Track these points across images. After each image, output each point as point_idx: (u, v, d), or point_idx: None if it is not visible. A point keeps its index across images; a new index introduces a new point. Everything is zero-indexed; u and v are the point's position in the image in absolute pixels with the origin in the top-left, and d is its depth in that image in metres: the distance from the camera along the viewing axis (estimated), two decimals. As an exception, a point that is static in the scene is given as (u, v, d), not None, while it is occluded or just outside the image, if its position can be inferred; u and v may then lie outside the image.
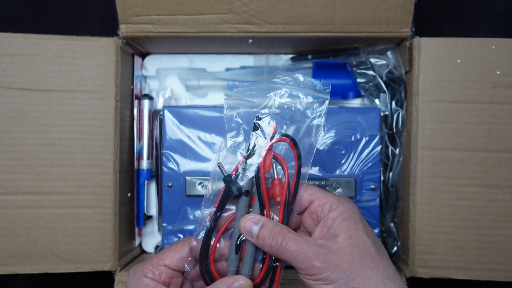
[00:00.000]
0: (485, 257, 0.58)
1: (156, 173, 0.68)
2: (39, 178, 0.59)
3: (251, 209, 0.44)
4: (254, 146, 0.43)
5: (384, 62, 0.65)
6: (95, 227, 0.59)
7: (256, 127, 0.43)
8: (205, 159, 0.62)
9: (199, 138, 0.63)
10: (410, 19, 0.58)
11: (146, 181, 0.67)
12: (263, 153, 0.42)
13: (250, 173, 0.43)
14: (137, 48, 0.67)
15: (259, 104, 0.45)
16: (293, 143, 0.43)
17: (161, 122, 0.63)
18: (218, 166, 0.44)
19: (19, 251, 0.59)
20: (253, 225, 0.42)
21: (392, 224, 0.65)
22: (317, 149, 0.62)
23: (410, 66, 0.60)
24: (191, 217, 0.63)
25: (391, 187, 0.65)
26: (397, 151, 0.64)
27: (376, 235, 0.43)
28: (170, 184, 0.62)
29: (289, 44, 0.64)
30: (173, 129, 0.63)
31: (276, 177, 0.44)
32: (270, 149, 0.42)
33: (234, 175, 0.43)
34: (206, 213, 0.45)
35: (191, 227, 0.63)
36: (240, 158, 0.44)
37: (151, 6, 0.59)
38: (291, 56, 0.69)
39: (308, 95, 0.45)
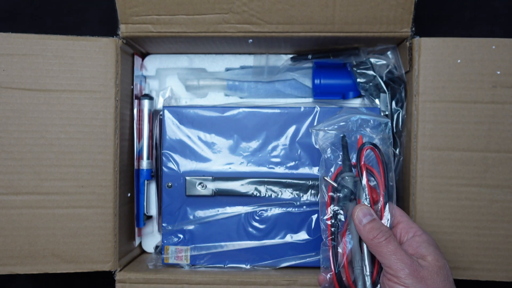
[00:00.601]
0: (485, 257, 0.58)
1: (156, 173, 0.68)
2: (39, 178, 0.59)
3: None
4: (346, 156, 0.52)
5: (384, 62, 0.65)
6: (95, 227, 0.59)
7: (344, 142, 0.52)
8: (205, 159, 0.62)
9: (199, 138, 0.63)
10: (410, 19, 0.58)
11: (146, 181, 0.67)
12: (361, 155, 0.50)
13: (351, 180, 0.50)
14: (137, 48, 0.67)
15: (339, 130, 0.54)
16: (377, 149, 0.51)
17: (161, 122, 0.63)
18: (326, 179, 0.52)
19: (19, 251, 0.59)
20: (365, 215, 0.48)
21: (392, 224, 0.65)
22: (317, 149, 0.62)
23: (410, 66, 0.60)
24: (191, 217, 0.63)
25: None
26: (397, 151, 0.64)
27: None
28: (170, 184, 0.62)
29: (289, 44, 0.64)
30: (173, 129, 0.63)
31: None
32: (362, 154, 0.50)
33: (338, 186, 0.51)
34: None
35: (191, 227, 0.63)
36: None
37: (151, 6, 0.59)
38: (291, 56, 0.69)
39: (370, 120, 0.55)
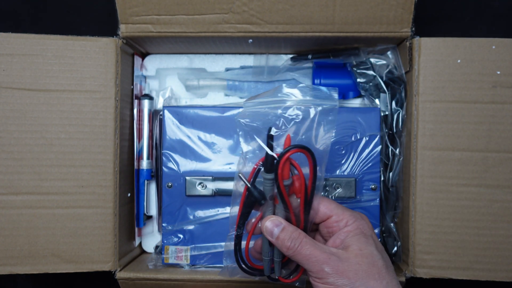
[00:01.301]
0: (485, 257, 0.58)
1: (156, 173, 0.68)
2: (39, 178, 0.59)
3: (276, 211, 0.48)
4: (271, 157, 0.46)
5: (384, 62, 0.65)
6: (95, 227, 0.59)
7: (270, 140, 0.46)
8: (205, 159, 0.62)
9: (199, 138, 0.63)
10: (410, 19, 0.58)
11: (146, 181, 0.67)
12: (280, 165, 0.45)
13: (270, 181, 0.46)
14: (137, 48, 0.67)
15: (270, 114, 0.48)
16: (309, 152, 0.46)
17: (161, 122, 0.63)
18: (239, 176, 0.48)
19: (19, 251, 0.59)
20: (275, 227, 0.46)
21: (392, 224, 0.65)
22: (318, 149, 0.62)
23: (410, 66, 0.60)
24: (191, 217, 0.63)
25: (391, 187, 0.65)
26: (397, 151, 0.64)
27: (385, 252, 0.47)
28: (170, 184, 0.62)
29: (289, 44, 0.64)
30: (173, 129, 0.63)
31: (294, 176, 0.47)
32: (286, 159, 0.45)
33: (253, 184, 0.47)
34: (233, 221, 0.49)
35: (191, 227, 0.63)
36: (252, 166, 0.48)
37: (151, 6, 0.59)
38: (291, 56, 0.69)
39: (317, 104, 0.49)
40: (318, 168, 0.47)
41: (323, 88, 0.50)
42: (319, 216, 0.48)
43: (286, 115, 0.48)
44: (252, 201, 0.47)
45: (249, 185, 0.47)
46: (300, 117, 0.48)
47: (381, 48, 0.65)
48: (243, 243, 0.49)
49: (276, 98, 0.49)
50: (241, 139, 0.49)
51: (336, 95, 0.49)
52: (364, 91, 0.66)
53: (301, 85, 0.49)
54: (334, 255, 0.44)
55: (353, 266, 0.44)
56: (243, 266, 0.50)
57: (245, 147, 0.49)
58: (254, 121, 0.48)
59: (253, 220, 0.49)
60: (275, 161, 0.45)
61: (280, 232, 0.46)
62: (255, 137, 0.47)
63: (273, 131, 0.47)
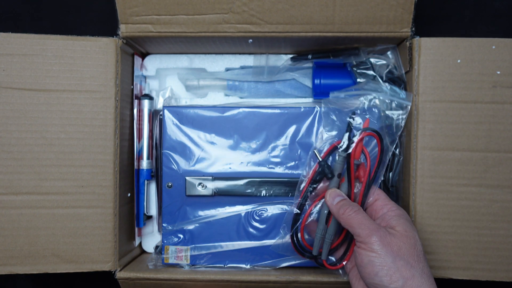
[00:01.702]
0: (485, 257, 0.58)
1: (156, 173, 0.68)
2: (39, 178, 0.59)
3: (340, 188, 0.55)
4: (349, 136, 0.55)
5: (384, 62, 0.65)
6: (95, 227, 0.59)
7: (350, 123, 0.55)
8: (205, 159, 0.62)
9: (199, 138, 0.63)
10: (410, 19, 0.58)
11: (146, 181, 0.67)
12: (355, 143, 0.54)
13: (342, 159, 0.55)
14: (137, 48, 0.67)
15: (352, 105, 0.59)
16: (379, 137, 0.54)
17: (161, 122, 0.63)
18: (314, 152, 0.57)
19: (19, 251, 0.59)
20: (337, 196, 0.54)
21: (392, 224, 0.65)
22: (318, 149, 0.62)
23: (410, 66, 0.60)
24: (191, 217, 0.63)
25: (391, 187, 0.65)
26: (397, 151, 0.64)
27: None
28: (170, 184, 0.62)
29: (289, 44, 0.64)
30: (173, 129, 0.63)
31: (362, 162, 0.55)
32: (361, 139, 0.54)
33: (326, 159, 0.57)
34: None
35: (191, 227, 0.63)
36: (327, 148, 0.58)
37: (151, 6, 0.59)
38: (291, 56, 0.69)
39: (393, 100, 0.60)
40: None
41: (400, 91, 0.61)
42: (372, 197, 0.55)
43: (366, 105, 0.59)
44: (321, 175, 0.56)
45: (321, 160, 0.56)
46: (377, 109, 0.59)
47: (381, 48, 0.65)
48: (302, 217, 0.56)
49: (360, 92, 0.60)
50: (323, 121, 0.59)
51: (410, 97, 0.59)
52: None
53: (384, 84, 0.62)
54: (382, 230, 0.49)
55: (398, 242, 0.48)
56: (295, 240, 0.57)
57: (325, 128, 0.59)
58: (339, 107, 0.59)
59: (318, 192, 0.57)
60: (351, 141, 0.54)
61: (340, 200, 0.53)
62: (336, 120, 0.58)
63: (355, 117, 0.56)
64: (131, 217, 0.66)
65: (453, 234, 0.58)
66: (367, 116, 0.58)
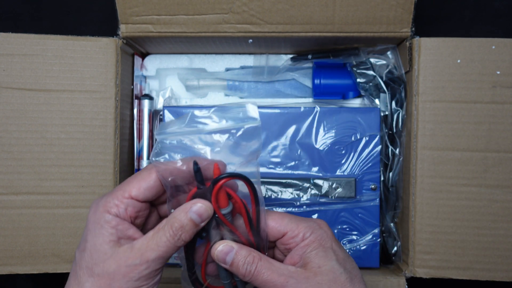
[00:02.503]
0: (485, 257, 0.58)
1: (156, 173, 0.68)
2: (39, 178, 0.59)
3: (224, 236, 0.43)
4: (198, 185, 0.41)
5: (384, 62, 0.65)
6: (95, 227, 0.59)
7: (198, 172, 0.42)
8: (205, 159, 0.62)
9: (199, 138, 0.63)
10: (410, 19, 0.58)
11: (146, 181, 0.67)
12: (213, 196, 0.41)
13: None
14: (137, 48, 0.67)
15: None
16: (243, 179, 0.41)
17: (161, 122, 0.63)
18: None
19: (19, 251, 0.59)
20: (226, 254, 0.42)
21: (392, 224, 0.65)
22: (317, 149, 0.62)
23: (410, 66, 0.60)
24: (191, 217, 0.63)
25: (391, 187, 0.65)
26: (397, 151, 0.64)
27: (350, 260, 0.43)
28: (170, 184, 0.62)
29: (289, 44, 0.64)
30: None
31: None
32: (217, 190, 0.41)
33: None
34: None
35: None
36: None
37: (151, 6, 0.59)
38: (291, 56, 0.69)
39: (239, 128, 0.44)
40: (257, 189, 0.42)
41: (239, 107, 0.45)
42: (272, 235, 0.43)
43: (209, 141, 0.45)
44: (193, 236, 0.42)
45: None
46: (222, 141, 0.45)
47: (381, 48, 0.65)
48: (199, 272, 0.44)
49: (191, 128, 0.45)
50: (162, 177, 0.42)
51: (255, 113, 0.44)
52: (364, 91, 0.66)
53: (213, 109, 0.46)
54: (293, 277, 0.40)
55: (313, 285, 0.40)
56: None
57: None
58: (174, 156, 0.44)
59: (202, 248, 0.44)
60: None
61: (234, 258, 0.41)
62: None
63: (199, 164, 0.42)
64: (131, 217, 0.66)
65: (453, 234, 0.58)
66: (214, 161, 0.43)
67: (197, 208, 0.40)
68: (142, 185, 0.41)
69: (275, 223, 0.43)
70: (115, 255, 0.39)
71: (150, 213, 0.44)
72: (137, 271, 0.39)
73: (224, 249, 0.42)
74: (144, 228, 0.43)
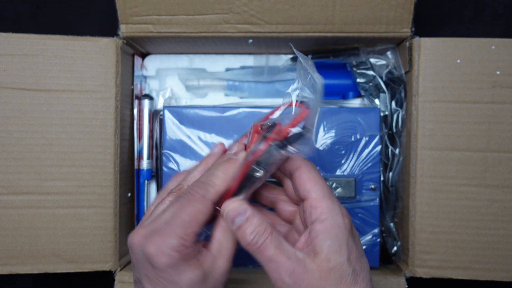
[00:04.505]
0: (485, 257, 0.58)
1: (156, 173, 0.68)
2: (39, 178, 0.59)
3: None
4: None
5: (384, 62, 0.65)
6: (95, 227, 0.59)
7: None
8: (205, 159, 0.62)
9: (199, 138, 0.63)
10: (410, 19, 0.58)
11: (146, 181, 0.67)
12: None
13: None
14: (137, 48, 0.67)
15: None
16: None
17: (161, 122, 0.63)
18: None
19: (19, 251, 0.59)
20: (238, 215, 0.38)
21: (392, 224, 0.65)
22: (317, 149, 0.62)
23: (410, 66, 0.60)
24: (191, 217, 0.63)
25: (391, 187, 0.65)
26: (397, 151, 0.64)
27: (363, 260, 0.40)
28: (170, 184, 0.62)
29: (289, 44, 0.64)
30: (173, 129, 0.63)
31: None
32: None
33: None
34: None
35: (191, 227, 0.63)
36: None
37: (151, 6, 0.59)
38: (291, 56, 0.69)
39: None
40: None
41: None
42: (300, 193, 0.40)
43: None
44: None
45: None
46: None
47: (381, 48, 0.65)
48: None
49: None
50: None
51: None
52: (364, 91, 0.66)
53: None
54: (300, 265, 0.37)
55: (319, 281, 0.37)
56: None
57: None
58: None
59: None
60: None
61: (243, 223, 0.38)
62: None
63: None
64: (131, 217, 0.66)
65: (452, 234, 0.58)
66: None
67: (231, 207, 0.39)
68: (200, 218, 0.39)
69: (307, 180, 0.40)
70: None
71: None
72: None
73: (237, 208, 0.39)
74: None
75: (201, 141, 0.63)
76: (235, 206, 0.39)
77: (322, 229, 0.38)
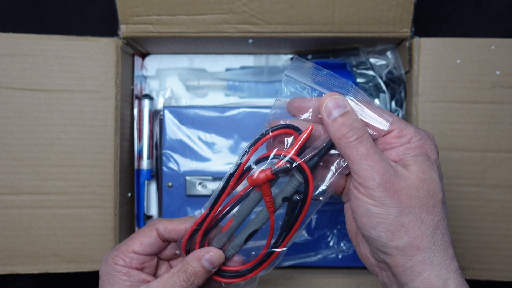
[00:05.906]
0: (485, 256, 0.58)
1: (156, 173, 0.68)
2: (39, 178, 0.59)
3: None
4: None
5: (384, 62, 0.65)
6: (95, 227, 0.59)
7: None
8: (205, 159, 0.63)
9: (199, 138, 0.63)
10: (410, 19, 0.58)
11: (146, 181, 0.67)
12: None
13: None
14: (137, 48, 0.67)
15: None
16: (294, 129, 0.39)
17: (161, 122, 0.64)
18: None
19: (20, 251, 0.59)
20: (336, 106, 0.37)
21: (392, 224, 0.65)
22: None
23: (410, 66, 0.60)
24: (191, 217, 0.63)
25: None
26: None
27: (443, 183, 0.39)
28: (170, 184, 0.63)
29: (289, 44, 0.64)
30: (173, 129, 0.63)
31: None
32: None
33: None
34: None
35: (191, 227, 0.63)
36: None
37: (151, 6, 0.59)
38: (291, 56, 0.69)
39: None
40: None
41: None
42: (378, 132, 0.38)
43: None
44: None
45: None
46: None
47: (381, 48, 0.65)
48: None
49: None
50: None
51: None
52: (364, 91, 0.66)
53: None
54: (393, 168, 0.35)
55: (409, 189, 0.35)
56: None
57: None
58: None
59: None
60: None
61: (340, 116, 0.36)
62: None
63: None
64: (131, 217, 0.66)
65: (452, 234, 0.58)
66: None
67: (209, 257, 0.42)
68: (143, 241, 0.43)
69: (382, 117, 0.38)
70: None
71: (159, 264, 0.45)
72: None
73: (337, 100, 0.37)
74: (156, 274, 0.45)
75: (201, 141, 0.63)
76: (335, 98, 0.37)
77: (412, 146, 0.37)
